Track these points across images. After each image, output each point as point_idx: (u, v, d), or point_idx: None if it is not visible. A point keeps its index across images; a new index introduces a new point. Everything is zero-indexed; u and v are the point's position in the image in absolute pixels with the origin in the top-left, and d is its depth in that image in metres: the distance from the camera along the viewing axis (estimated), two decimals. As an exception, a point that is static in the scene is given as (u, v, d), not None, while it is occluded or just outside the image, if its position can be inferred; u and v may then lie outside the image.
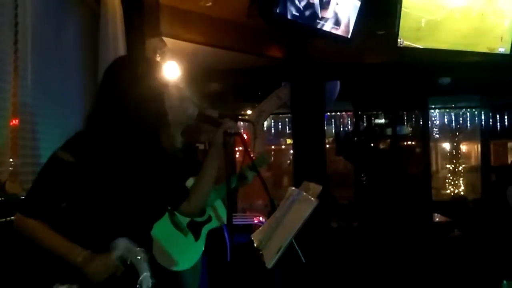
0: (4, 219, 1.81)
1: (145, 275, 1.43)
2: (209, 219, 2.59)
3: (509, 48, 4.78)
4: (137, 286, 1.43)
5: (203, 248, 2.53)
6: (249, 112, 6.84)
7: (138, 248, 1.46)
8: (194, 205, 1.69)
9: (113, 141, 1.53)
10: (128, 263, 1.45)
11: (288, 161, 8.13)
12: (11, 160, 2.23)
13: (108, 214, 1.53)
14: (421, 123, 7.43)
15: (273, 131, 8.04)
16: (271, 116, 7.04)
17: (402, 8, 4.30)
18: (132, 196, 1.55)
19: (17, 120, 2.29)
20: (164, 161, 1.62)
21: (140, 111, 1.54)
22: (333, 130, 7.86)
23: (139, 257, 1.44)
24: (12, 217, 1.84)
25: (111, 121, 1.53)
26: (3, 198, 1.96)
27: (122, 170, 1.53)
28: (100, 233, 1.51)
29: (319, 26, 4.03)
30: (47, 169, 1.53)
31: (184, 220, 2.47)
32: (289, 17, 3.76)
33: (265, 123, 6.96)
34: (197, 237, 2.50)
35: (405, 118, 7.80)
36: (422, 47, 4.58)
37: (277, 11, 3.65)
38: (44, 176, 1.53)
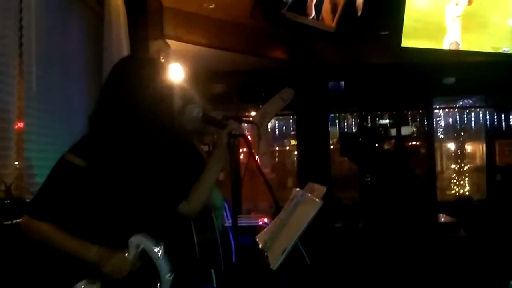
0: (10, 222, 1.82)
1: (164, 269, 1.43)
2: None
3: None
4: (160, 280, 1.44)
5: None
6: (253, 113, 6.84)
7: (155, 243, 1.45)
8: (194, 206, 1.69)
9: (122, 143, 1.53)
10: (144, 258, 1.45)
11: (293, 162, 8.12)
12: (16, 163, 2.24)
13: (119, 215, 1.53)
14: (425, 123, 7.41)
15: (277, 132, 8.03)
16: (275, 117, 7.04)
17: (406, 9, 4.29)
18: (141, 197, 1.56)
19: (22, 123, 2.30)
20: (169, 162, 1.63)
21: (147, 113, 1.53)
22: (337, 131, 7.85)
23: (156, 251, 1.43)
24: (18, 220, 1.86)
25: (119, 123, 1.53)
26: (8, 201, 1.96)
27: (132, 172, 1.54)
28: (110, 234, 1.51)
29: (322, 27, 4.03)
30: (57, 172, 1.52)
31: None
32: (292, 18, 3.76)
33: (269, 124, 6.96)
34: None
35: (410, 118, 7.78)
36: (426, 47, 4.58)
37: (281, 12, 3.66)
38: (54, 179, 1.51)
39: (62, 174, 1.51)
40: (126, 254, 1.44)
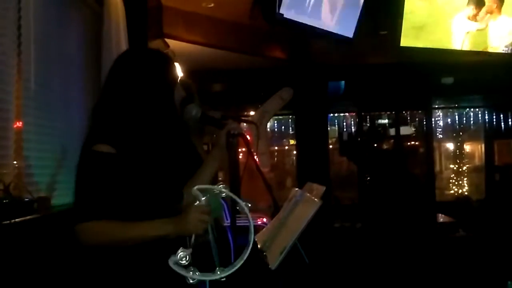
0: (9, 221, 1.82)
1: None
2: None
3: (513, 47, 4.77)
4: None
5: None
6: (252, 113, 6.84)
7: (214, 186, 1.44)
8: (187, 202, 1.68)
9: (147, 127, 1.53)
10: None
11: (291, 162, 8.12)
12: (15, 162, 2.23)
13: (148, 199, 1.51)
14: (424, 123, 7.42)
15: (276, 132, 8.03)
16: (274, 117, 7.04)
17: (405, 8, 4.29)
18: (172, 179, 1.56)
19: (21, 123, 2.30)
20: (171, 156, 1.62)
21: (154, 103, 1.54)
22: (336, 131, 7.85)
23: (219, 189, 1.43)
24: (17, 219, 1.86)
25: (139, 109, 1.52)
26: (7, 200, 1.96)
27: (160, 155, 1.54)
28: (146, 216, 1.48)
29: (321, 27, 4.03)
30: (92, 165, 1.45)
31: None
32: (291, 18, 3.76)
33: (268, 124, 6.96)
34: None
35: (408, 118, 7.79)
36: (424, 47, 4.58)
37: (279, 12, 3.65)
38: (92, 173, 1.45)
39: (97, 165, 1.45)
40: (193, 206, 1.42)
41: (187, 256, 1.36)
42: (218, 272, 1.40)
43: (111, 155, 1.45)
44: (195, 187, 1.43)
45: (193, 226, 1.41)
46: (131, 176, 1.47)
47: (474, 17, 4.59)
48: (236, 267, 1.41)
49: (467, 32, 4.61)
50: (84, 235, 1.42)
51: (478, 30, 4.63)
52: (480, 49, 4.75)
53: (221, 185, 1.44)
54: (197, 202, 1.43)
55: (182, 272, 1.35)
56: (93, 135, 1.50)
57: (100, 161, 1.44)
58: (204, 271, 1.39)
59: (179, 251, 1.37)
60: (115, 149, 1.46)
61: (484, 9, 4.56)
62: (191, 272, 1.36)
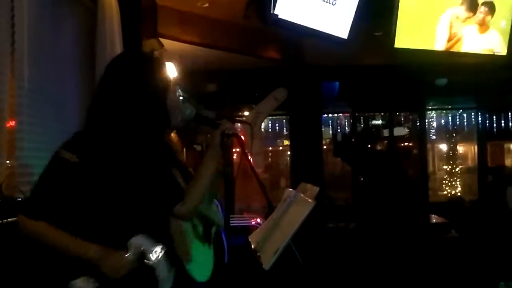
0: (1, 221, 1.81)
1: (163, 273, 1.42)
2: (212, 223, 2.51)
3: (505, 49, 4.81)
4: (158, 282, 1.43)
5: (213, 254, 2.41)
6: (246, 113, 6.84)
7: (157, 245, 1.44)
8: (189, 207, 1.66)
9: (115, 140, 1.52)
10: (146, 260, 1.44)
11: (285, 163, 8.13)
12: (8, 161, 2.22)
13: (112, 212, 1.51)
14: (418, 124, 7.45)
15: (270, 132, 8.03)
16: (268, 117, 7.04)
17: (399, 9, 4.31)
18: (133, 195, 1.54)
19: (14, 122, 2.28)
20: (164, 161, 1.62)
21: (142, 110, 1.54)
22: (330, 132, 7.87)
23: (156, 254, 1.43)
24: (9, 219, 1.84)
25: (113, 119, 1.52)
26: (0, 200, 1.95)
27: (125, 169, 1.53)
28: (105, 231, 1.50)
29: (316, 27, 4.04)
30: (51, 169, 1.50)
31: (199, 228, 2.36)
32: (285, 18, 3.77)
33: (263, 124, 6.96)
34: (209, 242, 2.39)
35: (402, 119, 7.82)
36: (418, 48, 4.60)
37: (274, 12, 3.66)
38: (48, 176, 1.49)
39: (54, 170, 1.49)
40: (126, 254, 1.44)
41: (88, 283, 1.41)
42: None
43: (71, 163, 1.47)
44: (134, 238, 1.44)
45: (108, 268, 1.44)
46: (86, 187, 1.49)
47: (465, 20, 4.62)
48: None
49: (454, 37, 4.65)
50: (22, 227, 1.48)
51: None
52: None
53: (161, 249, 1.44)
54: (129, 252, 1.44)
55: None
56: (67, 140, 1.53)
57: (57, 166, 1.48)
58: None
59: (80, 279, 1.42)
60: (78, 158, 1.47)
61: (474, 18, 4.60)
62: None
